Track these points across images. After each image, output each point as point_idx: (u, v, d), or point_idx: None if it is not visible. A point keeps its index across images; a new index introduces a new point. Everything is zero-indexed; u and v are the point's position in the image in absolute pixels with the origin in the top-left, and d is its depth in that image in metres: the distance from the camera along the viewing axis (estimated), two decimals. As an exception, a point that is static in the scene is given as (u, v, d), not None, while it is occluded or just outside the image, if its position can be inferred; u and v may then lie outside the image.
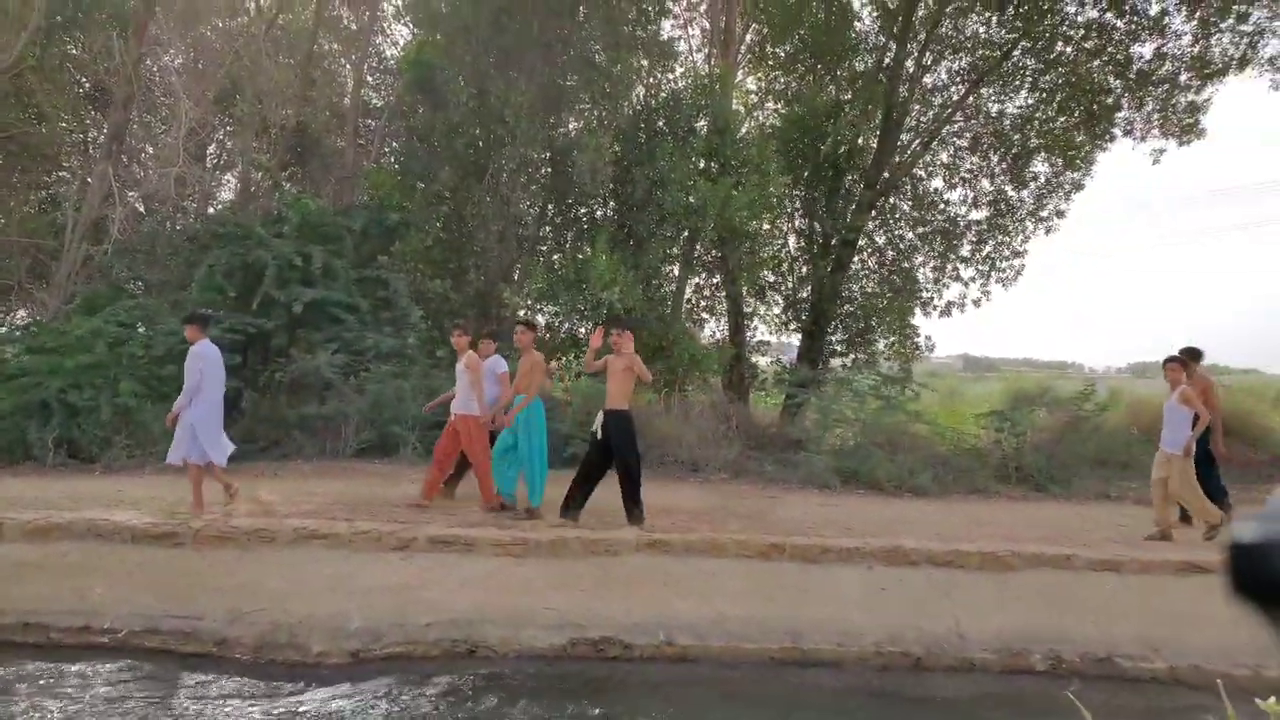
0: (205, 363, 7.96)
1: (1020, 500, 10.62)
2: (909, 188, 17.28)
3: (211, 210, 16.54)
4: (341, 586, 6.25)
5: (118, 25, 14.45)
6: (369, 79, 19.63)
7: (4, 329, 15.01)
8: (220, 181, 17.39)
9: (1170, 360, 8.52)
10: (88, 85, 15.77)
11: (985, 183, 16.97)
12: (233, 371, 12.57)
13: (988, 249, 17.40)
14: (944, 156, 17.23)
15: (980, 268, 17.41)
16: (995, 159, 16.75)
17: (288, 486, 9.51)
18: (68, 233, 14.31)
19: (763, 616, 6.12)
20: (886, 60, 16.62)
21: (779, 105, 17.93)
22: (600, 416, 7.67)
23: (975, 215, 17.27)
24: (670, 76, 16.42)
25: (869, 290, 17.95)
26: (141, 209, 16.08)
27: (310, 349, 12.89)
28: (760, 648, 5.92)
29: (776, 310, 18.16)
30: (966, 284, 17.58)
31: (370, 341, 12.79)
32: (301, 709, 5.08)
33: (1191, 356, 9.45)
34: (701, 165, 15.13)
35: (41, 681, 5.32)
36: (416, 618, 5.98)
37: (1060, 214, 16.39)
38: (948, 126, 16.74)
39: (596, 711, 5.15)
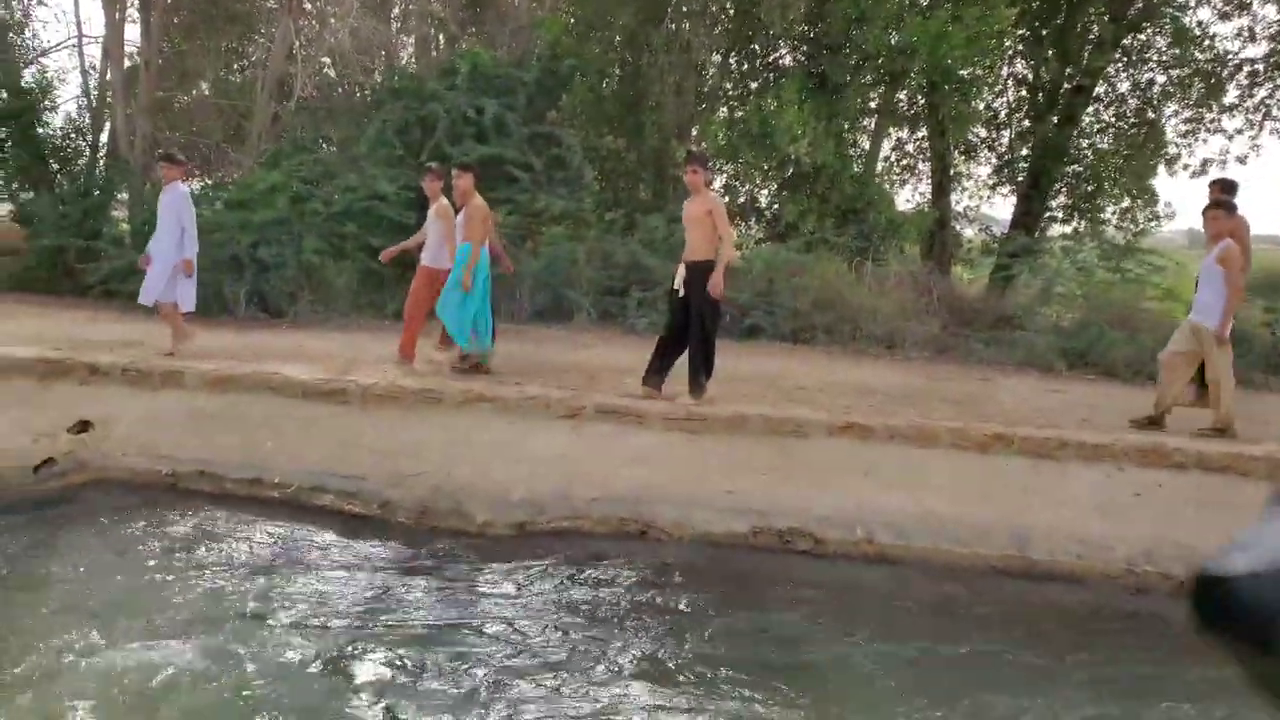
0: (187, 202, 7.54)
1: (1292, 392, 8.90)
2: (1167, 20, 14.52)
3: (388, 65, 16.18)
4: (507, 453, 5.76)
5: None
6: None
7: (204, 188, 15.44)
8: (399, 38, 16.96)
9: (1213, 206, 6.43)
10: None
11: (1270, 9, 14.02)
12: (410, 230, 12.44)
13: (1262, 93, 14.58)
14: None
15: (1250, 116, 14.67)
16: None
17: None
18: (257, 92, 14.39)
19: (981, 517, 5.15)
20: None
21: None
22: (681, 270, 6.50)
23: (1250, 52, 14.43)
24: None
25: (1102, 147, 15.60)
26: (328, 68, 15.99)
27: (487, 208, 12.46)
28: (976, 553, 4.98)
29: (987, 170, 16.21)
30: (1230, 137, 14.93)
31: (544, 202, 12.20)
32: (465, 583, 4.68)
33: (1226, 190, 6.96)
34: (911, -1, 13.26)
35: (218, 531, 5.17)
36: (583, 491, 5.42)
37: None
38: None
39: (783, 615, 4.42)
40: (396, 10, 17.56)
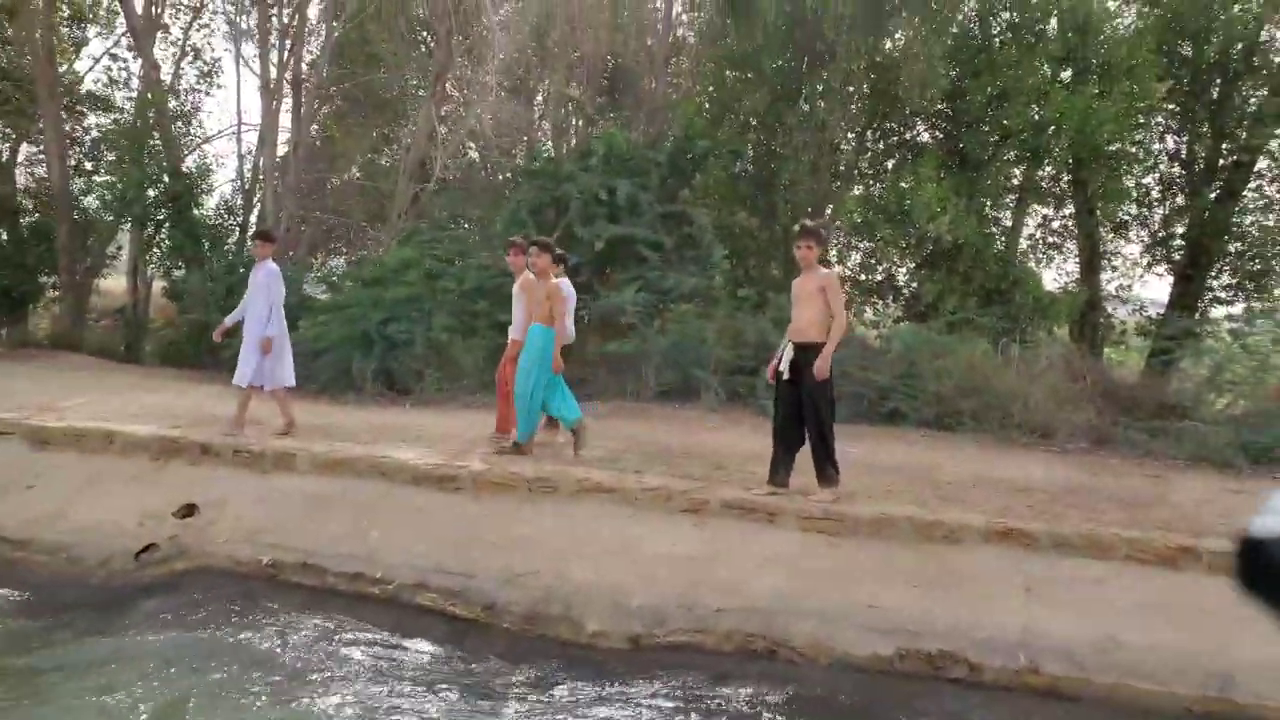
0: (278, 280, 7.45)
1: None
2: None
3: (527, 148, 16.60)
4: (625, 551, 5.42)
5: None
6: (681, 15, 18.88)
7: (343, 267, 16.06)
8: (536, 120, 17.43)
9: None
10: (417, 30, 16.28)
11: None
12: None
13: None
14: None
15: None
16: None
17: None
18: (399, 174, 14.96)
19: (1172, 647, 4.46)
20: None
21: (1144, 7, 14.48)
22: (788, 350, 5.91)
23: None
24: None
25: (1268, 224, 14.43)
26: (472, 150, 16.54)
27: (615, 287, 12.42)
28: (1170, 692, 4.29)
29: (1138, 249, 15.21)
30: None
31: (673, 281, 12.06)
32: (567, 703, 4.29)
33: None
34: (1055, 73, 12.69)
35: (311, 633, 4.99)
36: (707, 600, 5.00)
37: None
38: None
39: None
40: (539, 97, 18.10)
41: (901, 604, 4.87)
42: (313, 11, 15.97)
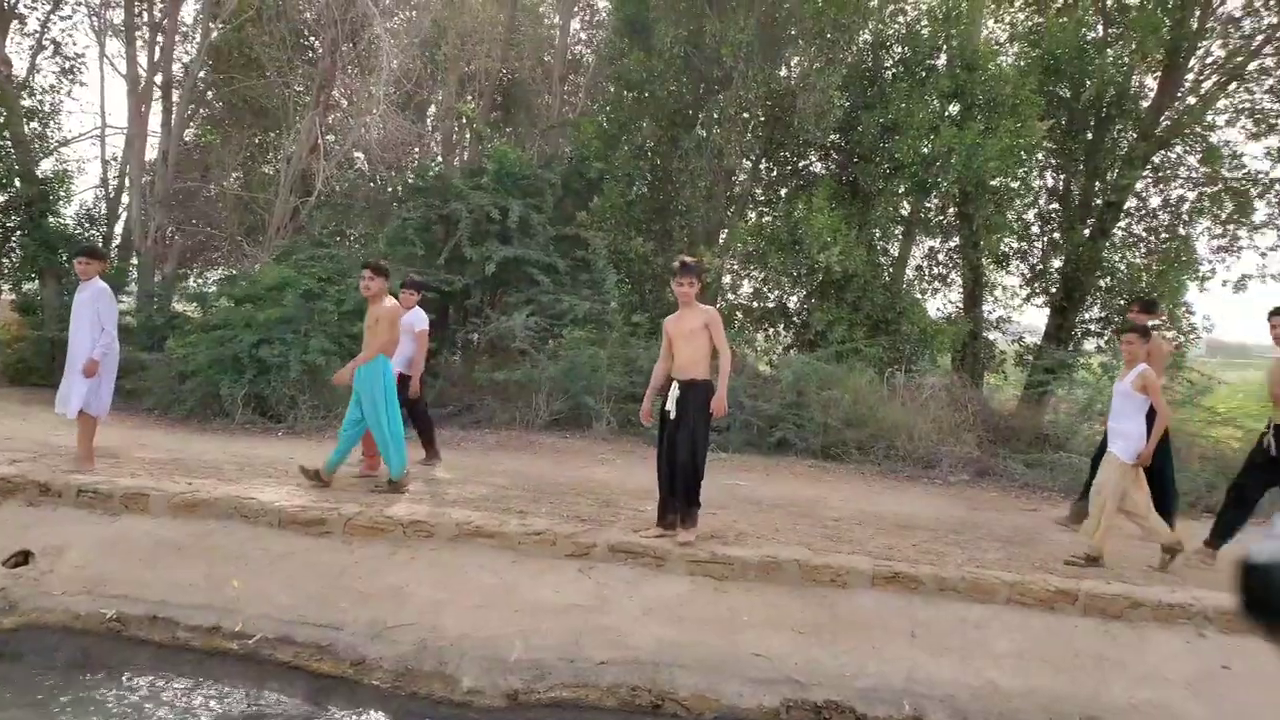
0: (106, 299, 6.85)
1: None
2: (1197, 139, 14.30)
3: (415, 161, 16.13)
4: (505, 601, 5.14)
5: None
6: (579, 33, 18.75)
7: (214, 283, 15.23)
8: (427, 133, 16.96)
9: (1128, 330, 6.12)
10: (303, 35, 15.65)
11: (1303, 131, 13.79)
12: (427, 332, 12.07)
13: (1293, 213, 14.23)
14: (1247, 99, 14.12)
15: (1286, 235, 14.28)
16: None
17: (469, 461, 8.64)
18: (279, 186, 14.29)
19: (1050, 692, 4.47)
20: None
21: (1026, 49, 15.09)
22: (673, 389, 5.68)
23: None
24: (908, 5, 14.28)
25: (1134, 261, 15.18)
26: (360, 162, 15.96)
27: (507, 310, 12.11)
28: (1048, 740, 4.28)
29: (1018, 281, 15.77)
30: (1264, 254, 14.51)
31: (566, 304, 11.85)
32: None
33: (1146, 310, 6.97)
34: (943, 109, 13.06)
35: (152, 701, 4.53)
36: (591, 652, 4.77)
37: None
38: (1254, 63, 13.66)
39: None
40: (431, 109, 17.64)
41: (789, 652, 4.75)
42: (187, 10, 15.18)
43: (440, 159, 16.64)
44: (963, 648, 4.75)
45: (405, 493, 6.62)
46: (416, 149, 16.34)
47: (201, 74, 14.75)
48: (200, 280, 16.75)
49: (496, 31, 15.78)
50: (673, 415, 5.63)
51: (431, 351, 11.79)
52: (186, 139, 15.50)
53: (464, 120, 16.28)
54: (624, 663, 4.70)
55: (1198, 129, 14.19)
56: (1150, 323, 7.01)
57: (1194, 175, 14.61)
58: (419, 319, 7.81)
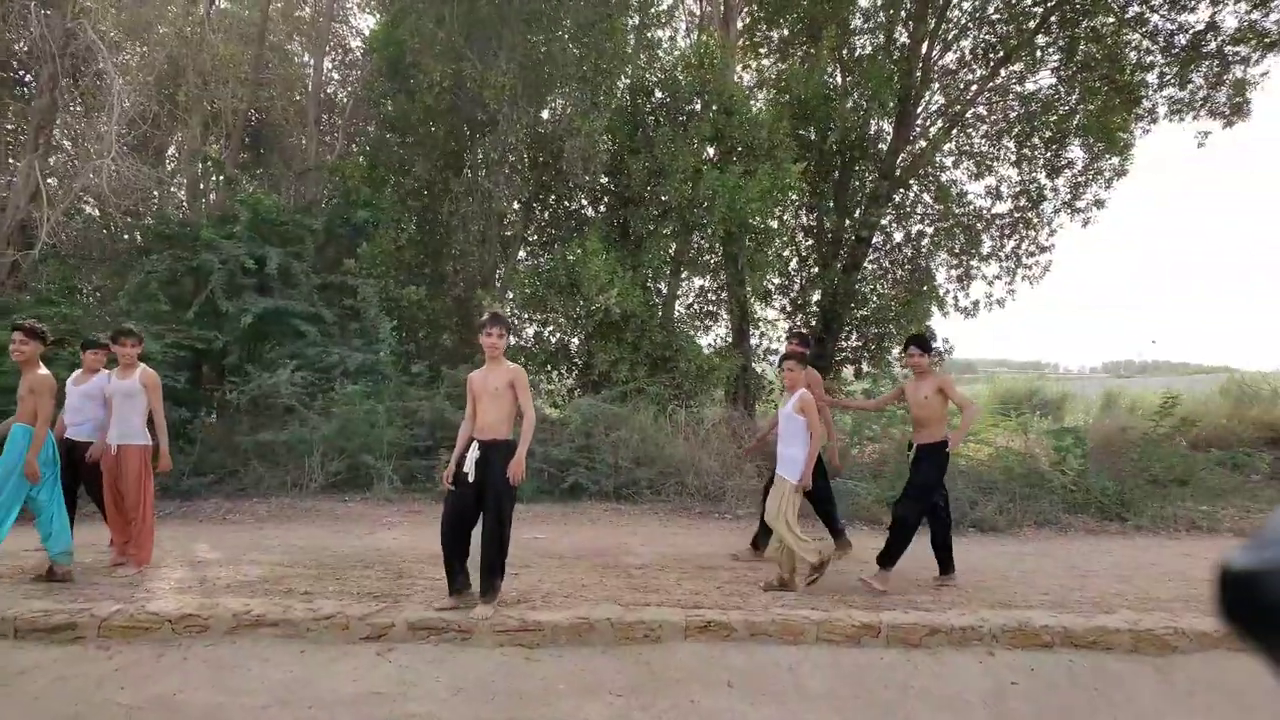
0: None
1: (1100, 534, 9.17)
2: (930, 179, 15.81)
3: (156, 208, 14.71)
4: (295, 697, 4.60)
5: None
6: (332, 73, 17.96)
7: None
8: (166, 178, 15.55)
9: (786, 358, 6.43)
10: (13, 69, 13.92)
11: (1012, 172, 15.59)
12: (180, 394, 10.93)
13: (1011, 244, 16.04)
14: (967, 143, 15.78)
15: (1005, 264, 16.04)
16: (1020, 145, 15.35)
17: (239, 537, 7.85)
18: (-6, 237, 12.54)
19: (863, 728, 4.57)
20: (898, 38, 15.19)
21: (774, 94, 16.15)
22: (473, 450, 5.41)
23: (1000, 208, 15.89)
24: (662, 52, 14.81)
25: (884, 291, 16.50)
26: (90, 209, 14.32)
27: (269, 366, 11.21)
28: (865, 777, 4.36)
29: (782, 315, 16.68)
30: (991, 282, 16.20)
31: (336, 357, 11.15)
32: None
33: (801, 342, 7.38)
34: (705, 152, 13.59)
35: None
36: (397, 746, 4.36)
37: (1100, 204, 15.01)
38: (971, 110, 15.31)
39: None
40: (171, 149, 16.21)
41: (609, 718, 4.57)
42: None
43: (185, 205, 15.30)
44: (779, 692, 4.77)
45: (67, 580, 5.92)
46: (156, 194, 14.93)
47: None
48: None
49: (242, 70, 14.78)
50: (471, 478, 5.33)
51: (189, 416, 10.75)
52: None
53: (210, 163, 15.09)
54: (436, 754, 4.33)
55: (930, 170, 15.70)
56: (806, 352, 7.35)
57: (930, 212, 16.13)
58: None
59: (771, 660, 5.00)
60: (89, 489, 6.76)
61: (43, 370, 5.95)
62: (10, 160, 13.02)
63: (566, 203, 14.87)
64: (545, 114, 14.13)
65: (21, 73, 14.01)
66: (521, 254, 15.29)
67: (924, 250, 16.23)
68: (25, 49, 13.14)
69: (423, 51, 12.95)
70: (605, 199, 14.69)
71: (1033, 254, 15.98)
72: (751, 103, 14.56)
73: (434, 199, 13.63)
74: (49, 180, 12.92)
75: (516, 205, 14.32)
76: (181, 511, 9.16)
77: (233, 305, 11.11)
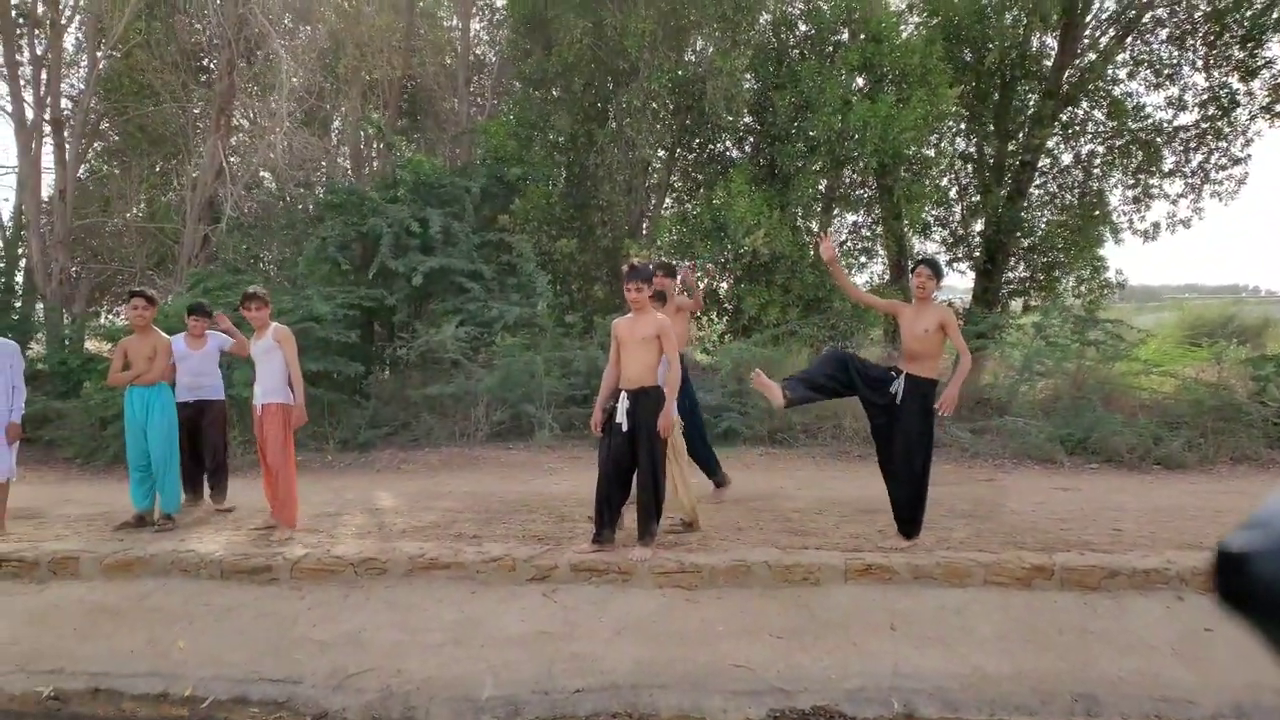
0: (16, 357, 6.46)
1: (1309, 470, 8.41)
2: (1101, 93, 14.61)
3: (324, 178, 15.57)
4: (469, 635, 4.89)
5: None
6: (480, 34, 18.33)
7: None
8: (332, 148, 16.39)
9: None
10: (197, 57, 14.96)
11: (1199, 78, 14.18)
12: (354, 350, 11.63)
13: (1198, 158, 14.66)
14: (1145, 50, 14.45)
15: (1190, 181, 14.71)
16: (1209, 47, 13.91)
17: (413, 485, 8.32)
18: (186, 214, 13.65)
19: (1038, 673, 4.41)
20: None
21: (925, 16, 15.22)
22: (623, 400, 5.46)
23: (1184, 119, 14.52)
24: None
25: (1052, 218, 15.48)
26: (267, 182, 15.36)
27: (435, 322, 11.75)
28: (1041, 722, 4.21)
29: (943, 248, 15.96)
30: (1174, 201, 14.92)
31: (496, 311, 11.54)
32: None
33: (668, 272, 6.80)
34: (852, 83, 13.07)
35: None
36: (565, 681, 4.56)
37: (1308, 102, 13.45)
38: (1148, 14, 13.99)
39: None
40: (337, 123, 17.05)
41: (769, 660, 4.60)
42: (69, 41, 14.38)
43: (350, 173, 16.10)
44: (945, 636, 4.66)
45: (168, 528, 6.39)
46: (324, 165, 15.79)
47: (93, 105, 13.99)
48: (113, 317, 15.99)
49: (395, 39, 15.30)
50: (625, 427, 5.42)
51: (363, 371, 11.44)
52: (83, 174, 14.73)
53: (372, 132, 15.78)
54: (601, 689, 4.49)
55: (1100, 84, 14.52)
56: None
57: (1102, 130, 14.95)
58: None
59: (937, 603, 4.88)
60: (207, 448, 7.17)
61: (162, 334, 6.56)
62: (197, 142, 14.04)
63: (711, 145, 14.70)
64: (687, 57, 13.96)
65: (204, 60, 15.03)
66: (668, 201, 15.27)
67: (1096, 171, 15.07)
68: (205, 39, 14.06)
69: (560, 5, 13.02)
70: (750, 139, 14.43)
71: (1224, 167, 14.57)
72: (901, 28, 13.87)
73: (579, 152, 13.77)
74: (231, 159, 13.90)
75: (661, 152, 14.29)
76: (360, 462, 9.78)
77: (401, 265, 11.64)
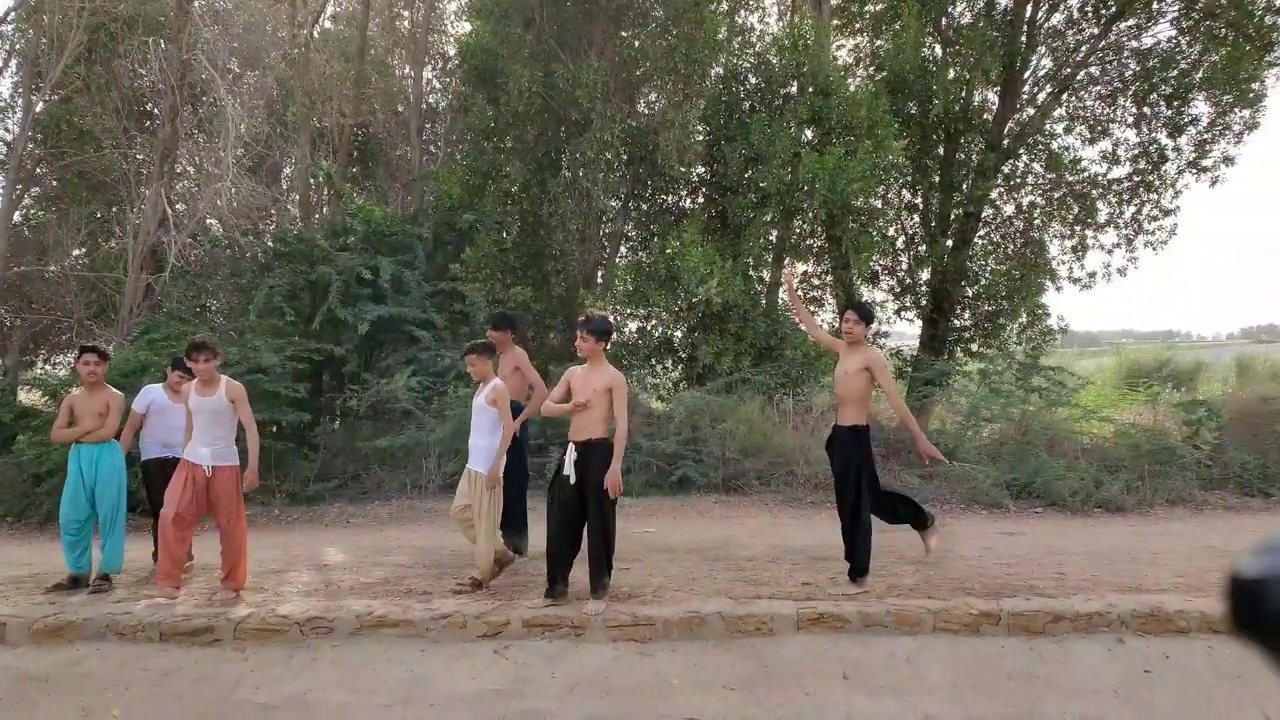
0: None
1: (1241, 510, 8.66)
2: (1040, 147, 15.13)
3: (274, 226, 15.43)
4: (418, 695, 4.78)
5: (157, 31, 13.49)
6: (433, 81, 18.45)
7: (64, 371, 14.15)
8: (280, 196, 16.28)
9: (473, 350, 6.10)
10: (140, 103, 14.81)
11: (1130, 134, 14.77)
12: (302, 402, 11.45)
13: (1131, 210, 15.20)
14: (1080, 106, 15.03)
15: (1124, 232, 15.23)
16: (1139, 105, 14.50)
17: (362, 540, 8.17)
18: (128, 263, 13.40)
19: (987, 718, 4.43)
20: (999, 2, 14.60)
21: (871, 71, 15.73)
22: (570, 452, 5.46)
23: (1117, 172, 15.07)
24: (755, 37, 14.66)
25: (995, 267, 15.87)
26: (214, 230, 15.18)
27: (386, 372, 11.64)
28: (992, 770, 4.23)
29: (890, 296, 16.25)
30: (1110, 251, 15.41)
31: (448, 360, 11.46)
32: None
33: (507, 325, 6.93)
34: (801, 136, 13.37)
35: None
36: (517, 740, 4.47)
37: (1230, 160, 14.05)
38: (1083, 71, 14.57)
39: None
40: (287, 170, 16.95)
41: (723, 712, 4.56)
42: (3, 85, 14.17)
43: (299, 221, 15.99)
44: (896, 684, 4.67)
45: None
46: (273, 212, 15.66)
47: (28, 150, 13.75)
48: (49, 367, 15.57)
49: (345, 87, 15.33)
50: (572, 479, 5.40)
51: (311, 421, 11.25)
52: (17, 219, 14.42)
53: (321, 179, 15.72)
54: (554, 748, 4.42)
55: (1039, 138, 15.03)
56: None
57: (1041, 182, 15.43)
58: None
59: (888, 651, 4.90)
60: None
61: (114, 390, 6.39)
62: (140, 189, 13.85)
63: (664, 196, 14.87)
64: (640, 108, 14.18)
65: (147, 105, 14.89)
66: (622, 249, 15.39)
67: (1036, 222, 15.54)
68: (149, 83, 13.94)
69: (511, 57, 13.18)
70: (703, 189, 14.64)
71: (1155, 218, 15.09)
72: (848, 81, 14.26)
73: (532, 201, 13.85)
74: (176, 205, 13.71)
75: (614, 202, 14.41)
76: (308, 516, 9.59)
77: (350, 314, 11.54)
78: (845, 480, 5.80)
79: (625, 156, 13.80)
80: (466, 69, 14.59)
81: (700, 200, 14.64)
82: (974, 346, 15.67)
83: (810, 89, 13.32)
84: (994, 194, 15.15)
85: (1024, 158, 15.26)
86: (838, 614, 5.10)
